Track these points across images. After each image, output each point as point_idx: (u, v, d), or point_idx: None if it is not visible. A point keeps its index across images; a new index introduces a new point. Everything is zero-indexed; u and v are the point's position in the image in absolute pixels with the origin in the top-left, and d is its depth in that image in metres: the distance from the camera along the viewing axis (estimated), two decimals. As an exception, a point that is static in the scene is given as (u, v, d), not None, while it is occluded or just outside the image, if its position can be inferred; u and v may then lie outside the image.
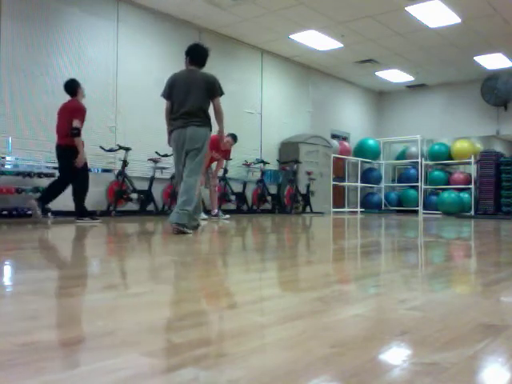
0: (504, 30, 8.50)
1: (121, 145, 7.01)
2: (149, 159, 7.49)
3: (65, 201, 6.50)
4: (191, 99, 4.08)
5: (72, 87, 5.37)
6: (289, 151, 10.04)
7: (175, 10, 7.88)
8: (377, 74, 11.59)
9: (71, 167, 5.22)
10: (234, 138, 7.02)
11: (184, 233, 3.87)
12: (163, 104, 4.28)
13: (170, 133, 4.26)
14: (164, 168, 7.62)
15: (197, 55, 4.26)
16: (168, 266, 2.25)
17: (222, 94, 4.18)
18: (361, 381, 0.81)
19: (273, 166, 9.88)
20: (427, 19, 8.07)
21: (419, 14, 7.87)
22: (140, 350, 0.96)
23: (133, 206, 7.18)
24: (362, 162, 12.26)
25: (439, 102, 12.52)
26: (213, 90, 4.13)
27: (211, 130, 4.24)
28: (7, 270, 2.05)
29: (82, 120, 5.26)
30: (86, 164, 5.39)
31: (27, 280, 1.78)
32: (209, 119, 4.19)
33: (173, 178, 7.70)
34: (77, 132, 5.18)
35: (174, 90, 4.16)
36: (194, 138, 4.08)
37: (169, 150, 7.74)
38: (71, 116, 5.19)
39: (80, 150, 5.22)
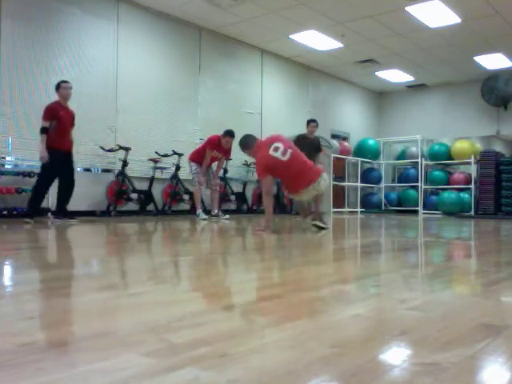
0: (504, 30, 8.50)
1: (121, 145, 7.01)
2: (149, 159, 7.49)
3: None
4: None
5: None
6: (289, 151, 10.01)
7: (175, 10, 7.88)
8: (377, 73, 11.59)
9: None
10: (230, 134, 6.82)
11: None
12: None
13: None
14: (164, 168, 7.62)
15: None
16: (168, 265, 2.25)
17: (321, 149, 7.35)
18: (361, 381, 0.81)
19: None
20: (427, 19, 8.06)
21: (419, 14, 7.87)
22: (140, 350, 0.96)
23: (133, 206, 7.18)
24: (362, 162, 12.25)
25: (439, 102, 12.51)
26: (318, 147, 7.38)
27: None
28: (7, 269, 2.05)
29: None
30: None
31: (27, 280, 1.78)
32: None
33: (173, 178, 7.70)
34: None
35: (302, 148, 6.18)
36: None
37: (168, 150, 7.78)
38: None
39: None
